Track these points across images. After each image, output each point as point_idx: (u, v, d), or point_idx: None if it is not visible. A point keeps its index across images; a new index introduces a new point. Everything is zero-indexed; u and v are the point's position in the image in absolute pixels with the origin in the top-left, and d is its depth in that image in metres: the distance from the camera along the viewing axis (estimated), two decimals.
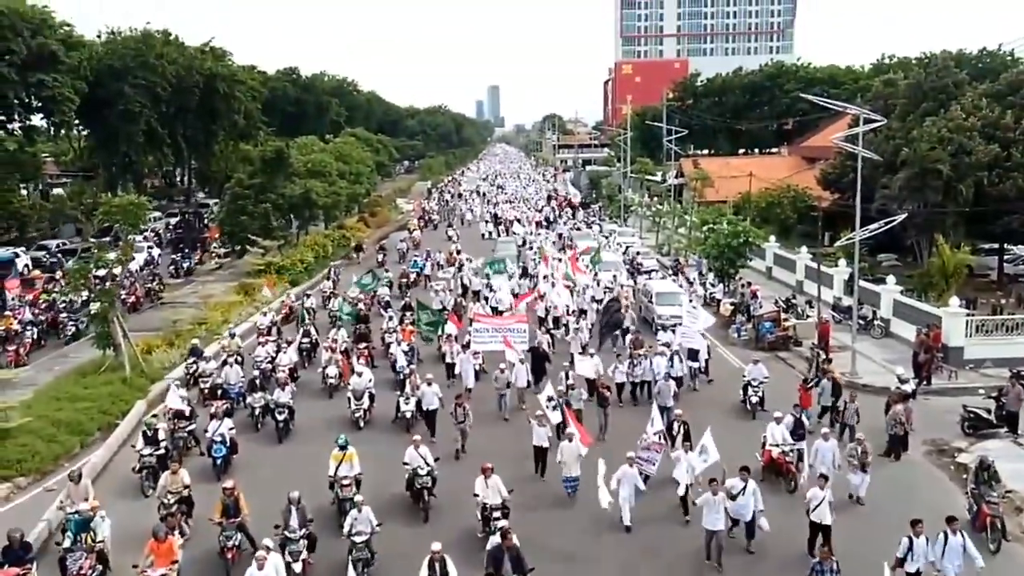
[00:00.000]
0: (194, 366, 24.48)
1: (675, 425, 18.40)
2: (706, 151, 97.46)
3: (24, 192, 55.92)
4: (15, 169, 49.45)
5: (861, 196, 26.29)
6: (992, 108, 37.84)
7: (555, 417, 18.91)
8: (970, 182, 36.24)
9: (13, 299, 33.60)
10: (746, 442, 18.78)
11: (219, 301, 35.42)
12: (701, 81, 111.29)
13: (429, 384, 21.00)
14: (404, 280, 38.99)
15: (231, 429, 18.82)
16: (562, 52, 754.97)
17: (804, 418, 19.05)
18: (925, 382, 24.41)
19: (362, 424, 21.55)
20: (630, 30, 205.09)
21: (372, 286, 34.45)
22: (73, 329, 30.78)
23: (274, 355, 25.26)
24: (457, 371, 24.75)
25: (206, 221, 56.58)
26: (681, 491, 16.20)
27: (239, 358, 24.69)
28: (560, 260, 38.68)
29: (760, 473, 17.43)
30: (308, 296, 33.93)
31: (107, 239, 44.90)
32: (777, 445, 17.72)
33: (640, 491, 16.23)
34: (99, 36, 59.07)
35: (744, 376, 23.13)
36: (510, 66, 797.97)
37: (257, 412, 21.78)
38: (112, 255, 28.26)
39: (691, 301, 29.54)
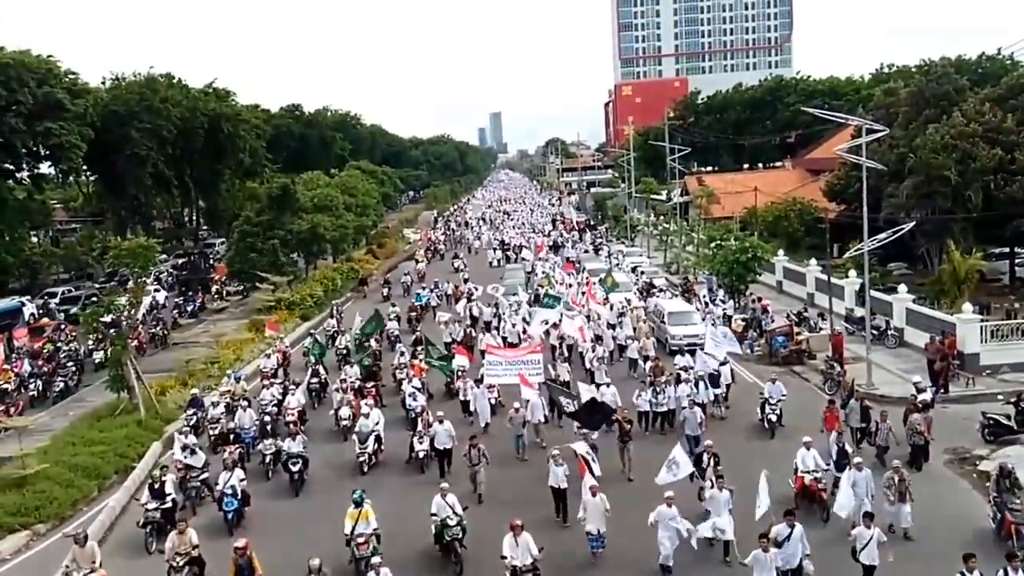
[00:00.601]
0: (193, 417, 23.30)
1: (704, 457, 17.37)
2: (710, 168, 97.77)
3: (35, 239, 56.42)
4: (25, 217, 49.97)
5: (868, 206, 26.27)
6: (994, 113, 37.83)
7: (581, 448, 17.48)
8: (977, 187, 36.17)
9: (21, 347, 33.66)
10: (767, 464, 18.20)
11: (231, 339, 35.54)
12: (702, 99, 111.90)
13: (441, 422, 20.27)
14: (413, 314, 38.00)
15: (243, 480, 18.04)
16: (562, 77, 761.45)
17: (847, 446, 18.09)
18: (942, 390, 24.21)
19: (366, 469, 20.62)
20: (628, 52, 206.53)
21: (375, 328, 32.38)
22: (62, 385, 29.79)
23: (280, 398, 24.62)
24: (472, 407, 23.87)
25: (212, 261, 56.67)
26: (727, 535, 15.01)
27: (247, 402, 23.95)
28: (572, 286, 38.16)
29: (792, 501, 16.73)
30: (312, 335, 32.73)
31: (114, 282, 45.28)
32: (809, 472, 16.94)
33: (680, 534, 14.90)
34: (103, 82, 59.89)
35: (762, 394, 22.71)
36: (511, 93, 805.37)
37: (268, 460, 20.95)
38: (123, 299, 28.32)
39: (714, 324, 28.92)
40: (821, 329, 30.73)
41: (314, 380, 27.02)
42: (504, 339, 30.70)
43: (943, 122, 38.40)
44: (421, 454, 20.67)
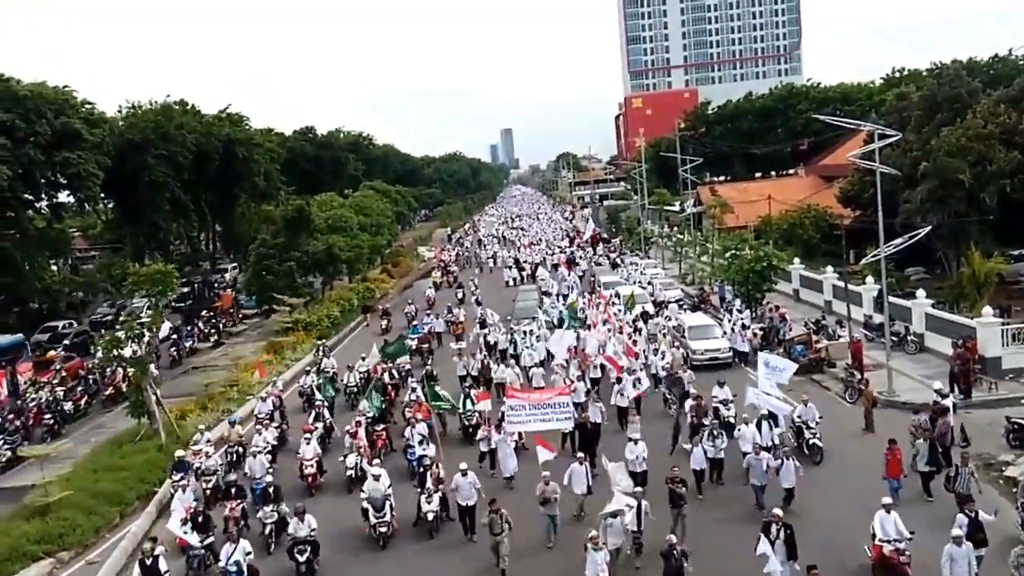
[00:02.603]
0: (177, 487, 19.72)
1: (773, 529, 14.27)
2: (722, 177, 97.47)
3: (54, 267, 57.00)
4: (44, 246, 50.54)
5: (883, 211, 26.11)
6: (1009, 114, 37.53)
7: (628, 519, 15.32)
8: (993, 190, 35.87)
9: (26, 383, 33.10)
10: (825, 499, 17.69)
11: (250, 362, 35.68)
12: (712, 109, 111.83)
13: (464, 474, 17.87)
14: (425, 345, 35.36)
15: (248, 554, 15.83)
16: (572, 91, 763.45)
17: (981, 514, 14.40)
18: (964, 395, 23.92)
19: (384, 543, 17.92)
20: (637, 65, 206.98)
21: (399, 351, 29.95)
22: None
23: (275, 443, 23.21)
24: (488, 453, 21.50)
25: (217, 289, 55.21)
26: None
27: (242, 448, 22.80)
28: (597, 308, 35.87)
29: (869, 573, 14.76)
30: (308, 373, 30.45)
31: (117, 313, 44.19)
32: (889, 540, 14.19)
33: None
34: (120, 111, 60.67)
35: (799, 418, 21.02)
36: (522, 109, 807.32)
37: (268, 531, 18.19)
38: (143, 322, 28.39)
39: (754, 348, 28.25)
40: (840, 337, 30.48)
41: (318, 424, 24.40)
42: (524, 369, 28.66)
43: (957, 124, 38.16)
44: (430, 516, 18.05)
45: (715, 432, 19.71)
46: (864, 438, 21.82)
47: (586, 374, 27.06)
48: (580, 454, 18.77)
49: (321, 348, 35.78)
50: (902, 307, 30.86)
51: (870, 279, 33.55)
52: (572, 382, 25.33)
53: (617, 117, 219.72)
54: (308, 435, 22.07)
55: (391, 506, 18.16)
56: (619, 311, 35.00)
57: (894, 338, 28.32)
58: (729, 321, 33.67)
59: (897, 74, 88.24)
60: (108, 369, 32.90)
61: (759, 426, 19.81)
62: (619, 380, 25.00)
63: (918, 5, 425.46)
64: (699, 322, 33.63)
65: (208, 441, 23.00)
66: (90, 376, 34.64)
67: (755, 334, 32.01)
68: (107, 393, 32.95)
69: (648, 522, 15.76)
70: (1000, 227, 36.47)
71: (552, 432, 20.50)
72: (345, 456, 21.58)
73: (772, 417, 20.21)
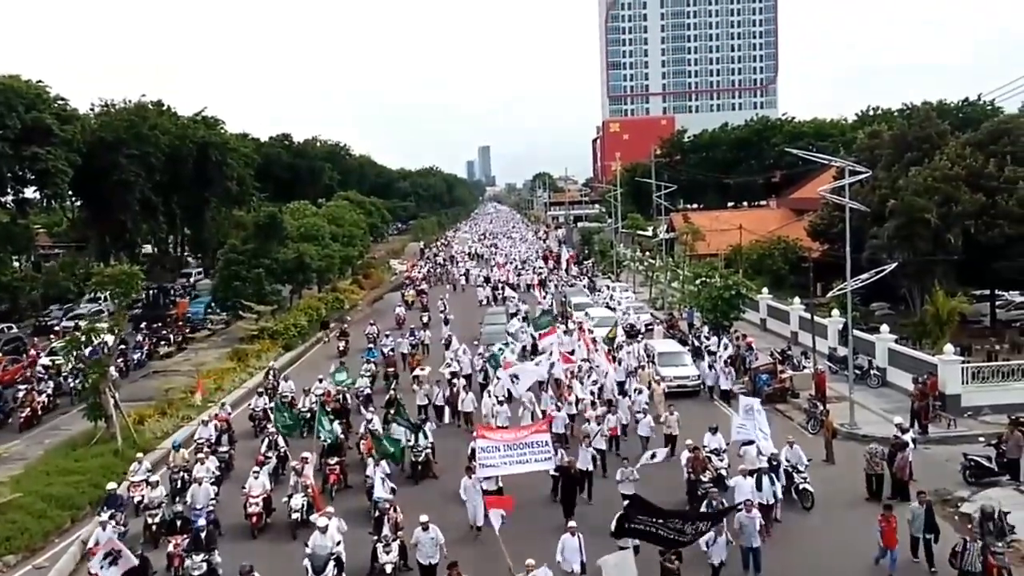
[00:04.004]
0: (103, 527, 16.74)
1: None
2: (696, 205, 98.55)
3: (16, 264, 55.98)
4: (7, 242, 49.62)
5: (851, 246, 26.50)
6: (976, 158, 38.37)
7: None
8: (958, 230, 36.55)
9: None
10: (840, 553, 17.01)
11: (212, 368, 35.16)
12: (688, 137, 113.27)
13: (425, 528, 15.83)
14: (391, 369, 32.44)
15: None
16: (551, 112, 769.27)
17: None
18: (922, 431, 24.25)
19: None
20: (616, 90, 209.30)
21: (348, 381, 28.43)
22: None
23: (218, 473, 21.03)
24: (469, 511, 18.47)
25: (173, 297, 53.27)
26: None
27: (187, 474, 20.61)
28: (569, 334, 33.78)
29: None
30: (260, 395, 28.09)
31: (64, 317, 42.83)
32: None
33: None
34: (92, 109, 59.97)
35: (787, 461, 19.68)
36: (500, 127, 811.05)
37: None
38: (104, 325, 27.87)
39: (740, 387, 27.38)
40: (804, 367, 30.79)
41: (270, 454, 21.90)
42: (499, 400, 25.40)
43: (925, 165, 38.91)
44: (388, 568, 15.77)
45: (715, 502, 16.96)
46: (825, 468, 21.96)
47: (562, 408, 24.72)
48: (572, 523, 15.78)
49: (271, 371, 32.13)
50: (866, 341, 31.26)
51: (836, 312, 33.98)
52: (551, 410, 23.97)
53: (594, 140, 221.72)
54: (257, 468, 19.66)
55: (339, 564, 15.69)
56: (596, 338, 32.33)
57: (857, 371, 28.68)
58: (709, 355, 32.77)
59: (870, 112, 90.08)
60: (21, 392, 30.40)
61: (759, 480, 17.92)
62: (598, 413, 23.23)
63: (891, 50, 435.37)
64: (669, 348, 33.47)
65: (148, 471, 20.73)
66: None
67: (726, 363, 32.22)
68: (23, 416, 28.87)
69: None
70: (964, 267, 37.14)
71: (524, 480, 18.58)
72: (290, 496, 18.95)
73: (773, 470, 18.69)
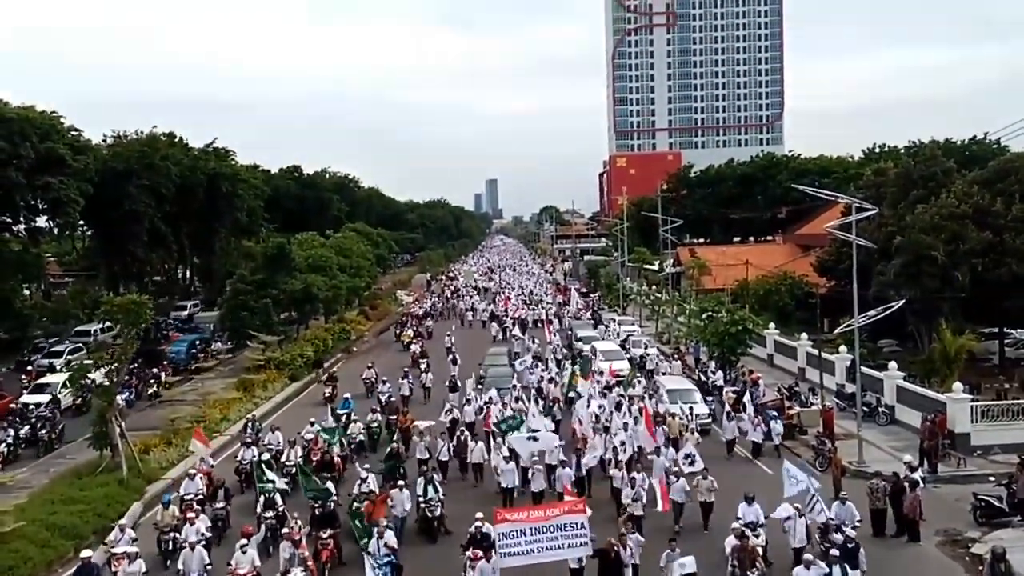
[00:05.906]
0: None
1: None
2: (702, 240, 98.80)
3: (27, 292, 56.25)
4: (18, 270, 49.90)
5: (858, 282, 26.52)
6: (982, 195, 38.46)
7: None
8: (965, 268, 36.54)
9: None
10: None
11: (218, 398, 35.17)
12: (695, 172, 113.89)
13: None
14: (393, 417, 29.14)
15: None
16: (559, 147, 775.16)
17: None
18: (931, 470, 24.05)
19: None
20: (624, 125, 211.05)
21: (334, 439, 25.53)
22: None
23: (208, 535, 18.69)
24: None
25: (166, 330, 52.23)
26: None
27: (195, 537, 17.82)
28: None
29: None
30: (248, 445, 25.07)
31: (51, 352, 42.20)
32: None
33: None
34: (104, 139, 60.60)
35: (831, 520, 17.37)
36: (508, 160, 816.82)
37: None
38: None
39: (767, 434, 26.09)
40: (812, 404, 30.64)
41: (268, 515, 19.68)
42: (505, 459, 22.51)
43: (932, 202, 39.00)
44: None
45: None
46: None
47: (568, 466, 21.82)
48: None
49: (250, 423, 28.94)
50: (874, 378, 31.13)
51: (843, 348, 33.89)
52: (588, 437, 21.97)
53: (601, 175, 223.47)
54: (245, 540, 16.91)
55: None
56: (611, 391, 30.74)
57: (865, 408, 28.51)
58: (716, 391, 31.87)
59: (876, 150, 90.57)
60: None
61: (831, 571, 14.93)
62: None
63: (896, 88, 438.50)
64: (678, 385, 32.72)
65: (132, 540, 17.82)
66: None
67: (728, 397, 32.09)
68: None
69: None
70: (971, 305, 37.07)
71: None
72: (285, 573, 16.36)
73: (850, 555, 15.63)
